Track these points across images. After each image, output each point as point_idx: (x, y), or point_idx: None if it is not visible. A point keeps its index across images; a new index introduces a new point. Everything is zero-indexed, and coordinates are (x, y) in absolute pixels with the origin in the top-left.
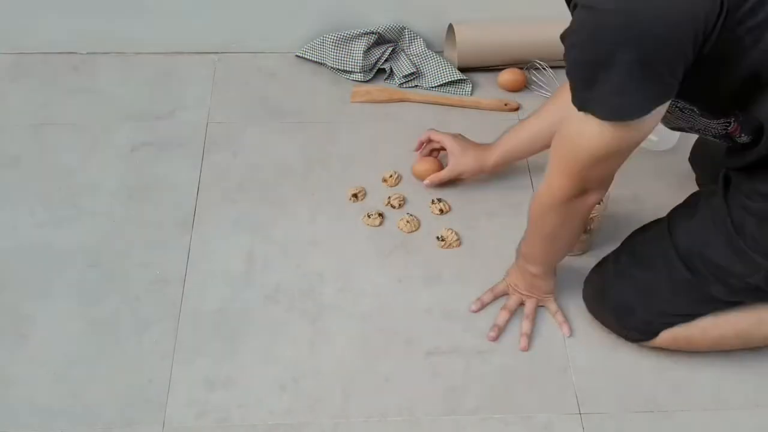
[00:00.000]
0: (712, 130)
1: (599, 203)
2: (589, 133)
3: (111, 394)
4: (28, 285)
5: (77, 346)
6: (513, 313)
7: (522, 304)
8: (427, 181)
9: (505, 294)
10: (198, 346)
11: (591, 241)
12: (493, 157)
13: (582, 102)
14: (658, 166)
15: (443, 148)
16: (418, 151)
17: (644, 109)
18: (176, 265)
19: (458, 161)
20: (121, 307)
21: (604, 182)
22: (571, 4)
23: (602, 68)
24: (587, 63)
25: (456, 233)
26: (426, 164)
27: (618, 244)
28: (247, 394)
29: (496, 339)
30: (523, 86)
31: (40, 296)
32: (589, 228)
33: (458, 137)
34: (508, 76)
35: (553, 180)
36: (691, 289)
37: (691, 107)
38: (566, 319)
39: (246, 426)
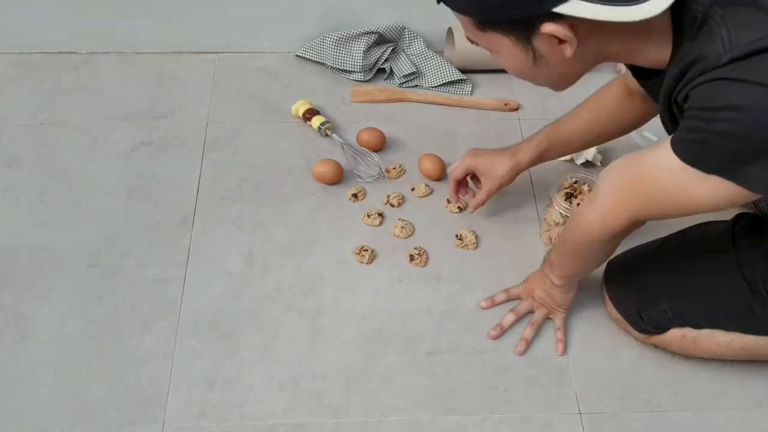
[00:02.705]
0: None
1: None
2: (703, 191)
3: (111, 394)
4: (28, 285)
5: (77, 346)
6: (520, 318)
7: (531, 311)
8: (470, 210)
9: (518, 298)
10: (198, 346)
11: None
12: (526, 152)
13: (719, 169)
14: None
15: (473, 174)
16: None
17: None
18: (176, 265)
19: (491, 175)
20: (121, 306)
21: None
22: (711, 74)
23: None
24: (751, 140)
25: (475, 235)
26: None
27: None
28: (247, 393)
29: (496, 338)
30: (443, 174)
31: (40, 296)
32: None
33: (475, 153)
34: (429, 165)
35: (614, 213)
36: (738, 297)
37: None
38: (565, 339)
39: (246, 426)
